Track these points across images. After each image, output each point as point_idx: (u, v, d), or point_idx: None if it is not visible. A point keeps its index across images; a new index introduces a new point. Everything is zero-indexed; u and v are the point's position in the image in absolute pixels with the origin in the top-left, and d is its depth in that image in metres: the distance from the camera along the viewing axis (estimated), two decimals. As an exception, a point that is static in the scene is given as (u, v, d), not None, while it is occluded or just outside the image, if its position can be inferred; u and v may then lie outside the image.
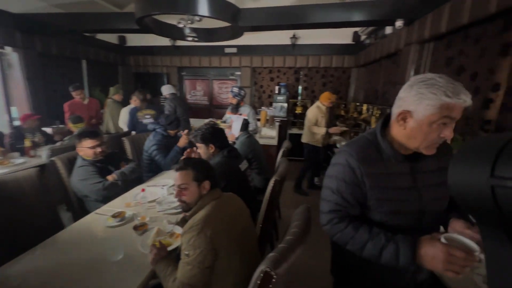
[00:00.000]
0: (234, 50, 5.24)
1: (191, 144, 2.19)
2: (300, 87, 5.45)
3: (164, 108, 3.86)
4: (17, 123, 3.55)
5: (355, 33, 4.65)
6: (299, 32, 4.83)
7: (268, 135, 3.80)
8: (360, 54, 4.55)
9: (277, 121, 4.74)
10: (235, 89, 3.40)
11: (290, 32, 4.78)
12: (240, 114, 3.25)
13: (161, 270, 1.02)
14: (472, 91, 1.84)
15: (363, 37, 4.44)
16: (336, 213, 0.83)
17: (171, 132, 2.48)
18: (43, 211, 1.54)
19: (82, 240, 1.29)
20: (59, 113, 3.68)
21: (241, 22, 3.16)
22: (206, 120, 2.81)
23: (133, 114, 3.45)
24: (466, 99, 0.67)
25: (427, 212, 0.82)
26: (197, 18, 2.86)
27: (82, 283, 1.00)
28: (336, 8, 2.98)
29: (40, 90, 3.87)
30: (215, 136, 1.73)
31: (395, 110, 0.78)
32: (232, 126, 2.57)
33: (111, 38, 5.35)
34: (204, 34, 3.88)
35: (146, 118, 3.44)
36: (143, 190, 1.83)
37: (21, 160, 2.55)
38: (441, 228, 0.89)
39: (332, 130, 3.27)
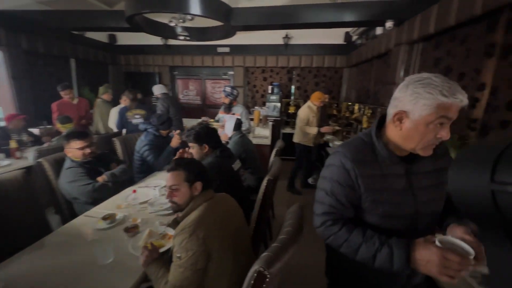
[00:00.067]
0: (227, 49, 5.22)
1: (183, 144, 2.16)
2: (293, 87, 5.48)
3: (156, 108, 3.81)
4: (1, 123, 3.43)
5: (347, 33, 4.71)
6: (292, 32, 4.86)
7: (262, 134, 3.80)
8: (352, 54, 4.60)
9: (271, 121, 4.75)
10: (228, 89, 3.39)
11: (283, 32, 4.80)
12: (233, 114, 3.24)
13: (152, 272, 1.01)
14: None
15: (354, 38, 4.50)
16: (330, 215, 0.82)
17: (163, 132, 2.45)
18: (30, 215, 1.49)
19: (70, 243, 1.25)
20: (47, 113, 3.58)
21: (233, 21, 3.15)
22: (199, 120, 2.79)
23: (122, 114, 3.38)
24: (462, 99, 0.66)
25: (423, 214, 0.81)
26: (188, 17, 2.83)
27: (71, 288, 0.97)
28: (328, 9, 3.01)
29: (27, 90, 3.75)
30: (208, 135, 1.72)
31: (391, 110, 0.77)
32: (225, 125, 2.56)
33: (101, 36, 5.24)
34: (196, 33, 3.84)
35: (136, 118, 3.38)
36: (134, 191, 1.81)
37: (6, 162, 2.46)
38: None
39: (324, 129, 3.29)
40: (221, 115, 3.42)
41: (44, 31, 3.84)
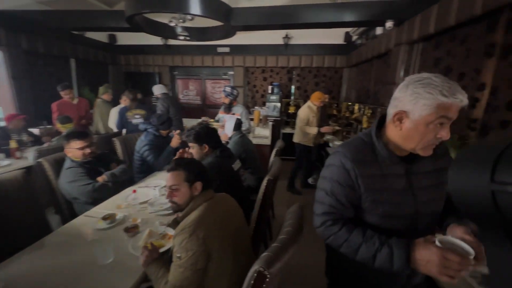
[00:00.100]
0: (227, 49, 5.22)
1: (183, 144, 2.16)
2: (293, 87, 5.48)
3: (156, 108, 3.81)
4: (1, 123, 3.43)
5: (347, 33, 4.71)
6: (292, 32, 4.86)
7: (262, 134, 3.80)
8: (352, 54, 4.60)
9: (271, 121, 4.75)
10: (228, 89, 3.39)
11: (283, 32, 4.80)
12: (233, 114, 3.24)
13: (152, 272, 1.01)
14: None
15: (354, 38, 4.50)
16: (330, 215, 0.82)
17: (163, 132, 2.45)
18: (30, 215, 1.49)
19: (70, 244, 1.25)
20: (47, 113, 3.58)
21: (233, 21, 3.15)
22: (199, 120, 2.79)
23: (122, 113, 3.38)
24: (462, 99, 0.66)
25: (423, 214, 0.81)
26: (189, 17, 2.83)
27: (71, 288, 0.97)
28: (328, 9, 3.01)
29: (27, 90, 3.75)
30: (209, 135, 1.72)
31: (391, 110, 0.77)
32: (225, 125, 2.56)
33: (101, 36, 5.24)
34: (196, 33, 3.84)
35: (136, 118, 3.38)
36: (134, 191, 1.81)
37: (6, 162, 2.46)
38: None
39: (324, 129, 3.29)
40: (221, 115, 3.43)
41: (44, 31, 3.84)
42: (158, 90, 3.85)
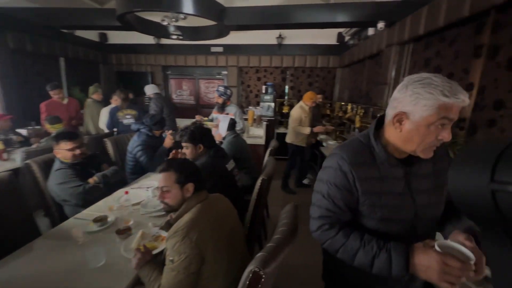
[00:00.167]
0: (220, 49, 5.20)
1: (177, 144, 2.14)
2: (286, 87, 5.50)
3: (149, 108, 3.76)
4: (-13, 124, 3.31)
5: (339, 34, 4.76)
6: (285, 32, 4.87)
7: (256, 134, 3.80)
8: (345, 55, 4.65)
9: (265, 121, 4.76)
10: (221, 88, 3.36)
11: (276, 32, 4.81)
12: (227, 114, 3.23)
13: (145, 275, 0.99)
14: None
15: (347, 38, 4.55)
16: (327, 219, 0.79)
17: (157, 132, 2.42)
18: (18, 218, 1.44)
19: (60, 247, 1.22)
20: (36, 114, 3.48)
21: (226, 21, 3.14)
22: (193, 120, 2.77)
23: (113, 114, 3.32)
24: (464, 99, 0.64)
25: (422, 218, 0.79)
26: (181, 15, 2.80)
27: (60, 292, 0.95)
28: (321, 9, 3.03)
29: (14, 89, 3.64)
30: (203, 135, 1.70)
31: (390, 111, 0.74)
32: (219, 125, 2.54)
33: (91, 35, 5.13)
34: (190, 32, 3.81)
35: (127, 118, 3.32)
36: (126, 192, 1.77)
37: (-8, 164, 2.39)
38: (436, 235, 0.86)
39: (317, 129, 3.31)
40: (214, 115, 3.40)
41: (32, 29, 3.73)
42: (150, 90, 3.79)
